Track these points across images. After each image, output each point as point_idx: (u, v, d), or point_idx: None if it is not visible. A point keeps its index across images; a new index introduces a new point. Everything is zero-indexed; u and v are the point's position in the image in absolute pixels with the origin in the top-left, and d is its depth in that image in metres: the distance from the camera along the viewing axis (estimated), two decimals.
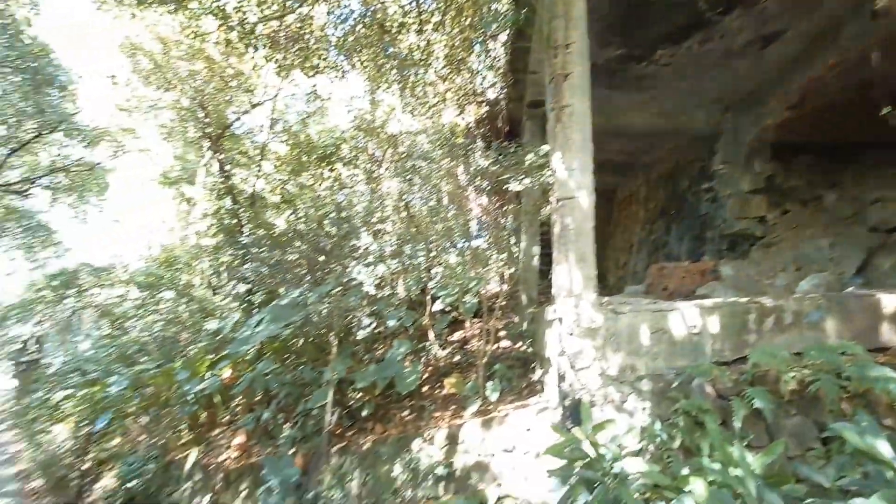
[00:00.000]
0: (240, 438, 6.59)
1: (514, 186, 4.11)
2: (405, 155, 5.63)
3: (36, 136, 9.39)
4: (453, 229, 5.11)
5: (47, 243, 13.44)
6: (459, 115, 7.07)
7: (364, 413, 5.35)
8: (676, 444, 3.15)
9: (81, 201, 12.86)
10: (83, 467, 7.85)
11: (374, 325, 6.18)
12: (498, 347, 5.77)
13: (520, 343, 5.46)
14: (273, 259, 5.10)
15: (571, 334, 3.57)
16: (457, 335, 6.49)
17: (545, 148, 3.93)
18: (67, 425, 9.53)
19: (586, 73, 3.86)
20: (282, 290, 6.88)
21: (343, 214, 4.91)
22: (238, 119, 9.11)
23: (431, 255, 5.83)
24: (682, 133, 7.09)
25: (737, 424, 3.08)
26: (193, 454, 7.18)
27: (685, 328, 3.69)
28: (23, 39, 8.94)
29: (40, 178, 10.76)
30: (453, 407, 4.93)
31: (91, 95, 13.57)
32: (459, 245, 5.50)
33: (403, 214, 6.56)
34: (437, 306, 5.29)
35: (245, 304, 7.79)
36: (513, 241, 5.90)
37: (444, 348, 6.23)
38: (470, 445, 4.20)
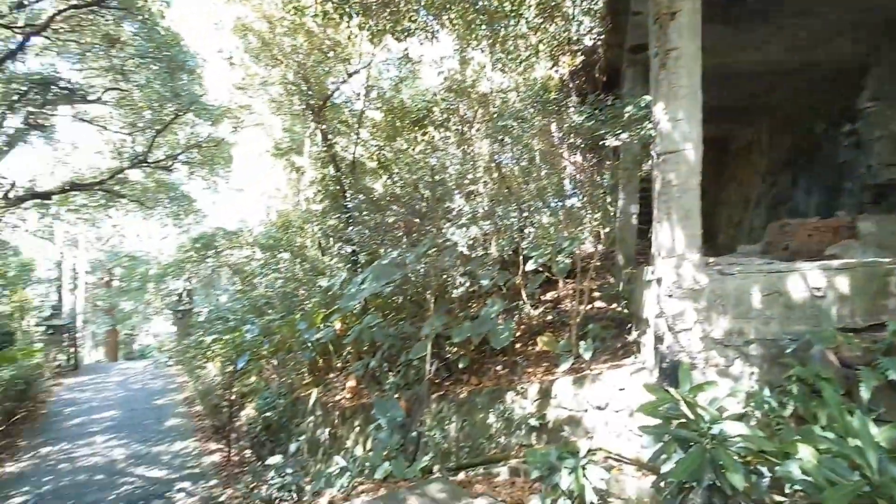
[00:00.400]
0: (351, 382, 7.40)
1: (612, 142, 3.93)
2: (496, 114, 5.59)
3: (174, 118, 10.83)
4: (546, 189, 5.05)
5: (189, 211, 15.64)
6: (552, 67, 6.76)
7: (460, 366, 5.71)
8: (788, 411, 2.97)
9: (212, 173, 14.68)
10: (230, 398, 9.38)
11: (468, 284, 6.43)
12: (592, 308, 5.71)
13: (615, 304, 5.35)
14: (373, 222, 5.48)
15: (671, 296, 3.44)
16: (549, 295, 6.51)
17: (647, 98, 3.68)
18: (216, 363, 11.37)
19: (696, 10, 3.48)
20: (382, 251, 7.40)
21: (436, 177, 5.09)
22: (337, 89, 9.63)
23: (524, 215, 5.84)
24: (817, 68, 6.08)
25: (864, 395, 2.81)
26: (314, 393, 8.22)
27: (806, 291, 3.36)
28: (158, 31, 10.19)
29: (179, 154, 12.46)
30: (545, 364, 5.06)
31: (212, 77, 15.16)
32: (553, 205, 5.43)
33: (495, 175, 6.59)
34: (530, 266, 5.32)
35: (350, 264, 8.50)
36: (609, 199, 5.67)
37: (536, 308, 6.31)
38: (562, 400, 4.32)
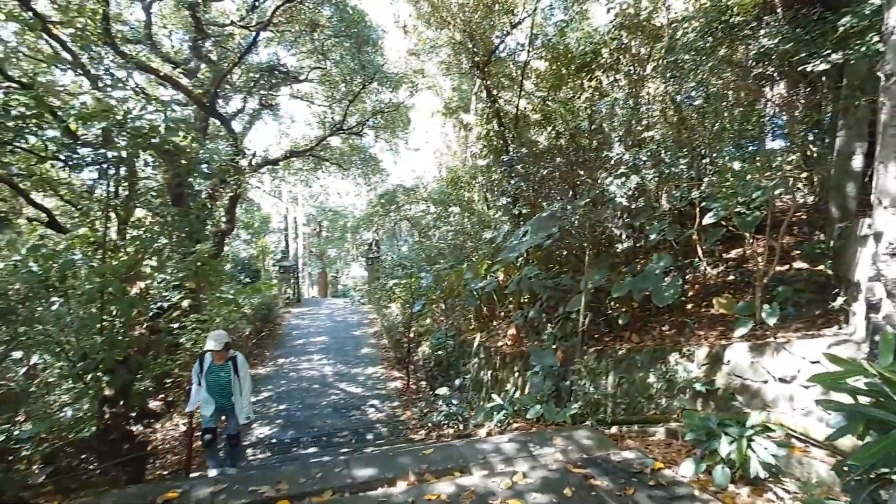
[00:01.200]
0: (512, 331, 7.79)
1: (819, 66, 3.16)
2: (673, 48, 4.90)
3: (361, 88, 12.26)
4: (732, 129, 4.35)
5: (376, 171, 17.78)
6: None
7: (620, 322, 5.51)
8: None
9: (393, 136, 16.28)
10: (409, 336, 10.78)
11: (633, 237, 6.04)
12: (789, 268, 4.85)
13: (821, 265, 4.45)
14: (532, 175, 5.49)
15: (893, 255, 2.75)
16: (734, 253, 5.72)
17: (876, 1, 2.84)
18: (398, 304, 13.09)
19: None
20: (544, 204, 7.38)
21: (594, 126, 4.80)
22: (501, 42, 9.58)
23: (704, 160, 5.15)
24: None
25: None
26: (478, 338, 8.91)
27: None
28: (348, 10, 11.49)
29: (367, 120, 14.12)
30: (720, 327, 4.56)
31: (390, 46, 16.51)
32: (741, 148, 4.66)
33: (671, 116, 5.88)
34: (709, 220, 4.73)
35: (513, 217, 8.70)
36: (817, 138, 4.57)
37: (715, 266, 5.62)
38: (736, 367, 3.90)
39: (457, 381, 8.69)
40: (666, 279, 4.98)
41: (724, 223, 4.89)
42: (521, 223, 7.76)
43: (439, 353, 10.44)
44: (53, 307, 5.66)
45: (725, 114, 4.34)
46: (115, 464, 5.44)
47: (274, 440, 7.13)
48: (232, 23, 10.15)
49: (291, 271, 20.74)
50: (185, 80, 9.73)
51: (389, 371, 11.17)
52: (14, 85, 6.84)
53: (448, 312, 11.36)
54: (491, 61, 9.44)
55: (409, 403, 8.87)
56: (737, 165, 4.63)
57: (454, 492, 2.86)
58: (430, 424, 7.19)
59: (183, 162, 7.25)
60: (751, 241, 5.24)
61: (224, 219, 10.97)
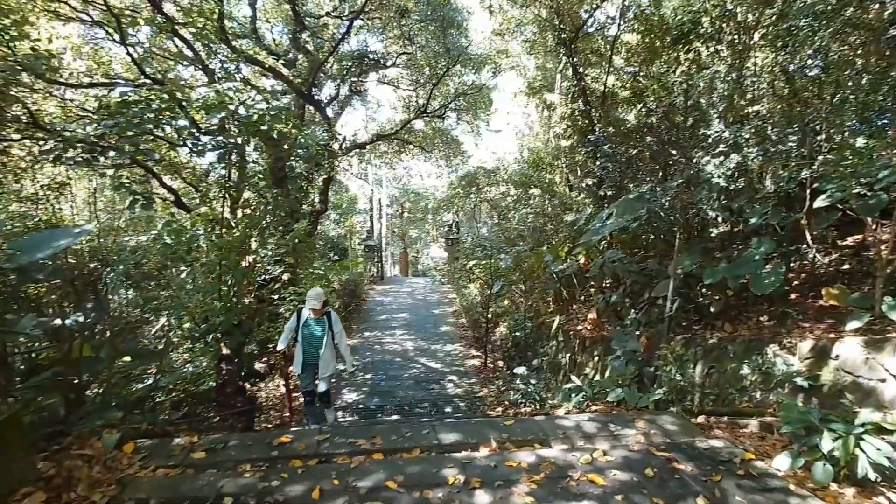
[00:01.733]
0: (592, 315, 7.66)
1: None
2: (786, 14, 4.39)
3: (445, 71, 12.40)
4: (855, 101, 3.88)
5: (457, 153, 17.95)
6: None
7: (712, 309, 5.23)
8: None
9: (475, 118, 16.31)
10: (488, 316, 10.98)
11: (730, 221, 5.63)
12: None
13: None
14: (620, 155, 5.30)
15: None
16: (850, 239, 5.14)
17: None
18: (476, 285, 13.32)
19: None
20: (631, 185, 7.08)
21: (690, 102, 4.50)
22: (590, 17, 9.19)
23: (818, 137, 4.65)
24: None
25: None
26: (557, 321, 8.86)
27: None
28: None
29: (450, 103, 14.28)
30: (829, 320, 4.18)
31: (475, 27, 16.43)
32: (866, 122, 4.14)
33: (781, 89, 5.34)
34: (821, 202, 4.29)
35: (597, 199, 8.45)
36: None
37: (827, 253, 5.10)
38: (846, 363, 3.58)
39: (534, 362, 8.76)
40: (767, 266, 4.62)
41: (839, 206, 4.41)
42: (606, 205, 7.52)
43: (517, 334, 10.53)
44: (182, 275, 6.58)
45: (849, 83, 3.86)
46: (231, 413, 6.26)
47: (360, 406, 7.71)
48: (327, 14, 10.74)
49: (375, 250, 21.82)
50: (284, 71, 10.52)
51: (467, 349, 11.49)
52: (148, 81, 7.90)
53: (527, 294, 11.37)
54: (578, 37, 9.10)
55: (486, 381, 9.10)
56: (860, 141, 4.13)
57: (534, 461, 3.00)
58: (506, 402, 7.36)
59: (285, 147, 7.94)
60: (873, 226, 4.68)
61: (318, 199, 11.81)
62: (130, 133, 4.93)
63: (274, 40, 12.55)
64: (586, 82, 9.18)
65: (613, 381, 4.84)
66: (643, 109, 7.64)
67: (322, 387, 5.47)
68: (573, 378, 5.83)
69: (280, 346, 5.70)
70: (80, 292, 4.40)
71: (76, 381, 3.56)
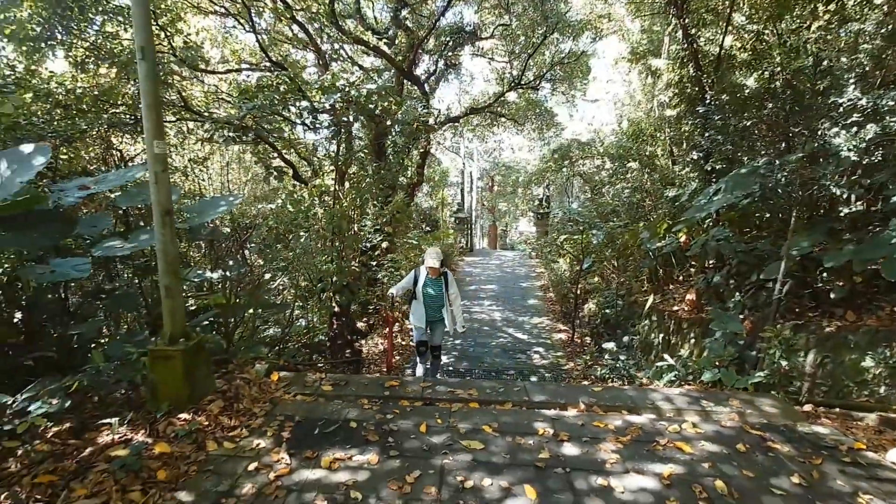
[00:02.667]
0: (691, 295, 7.34)
1: None
2: None
3: (542, 40, 12.09)
4: None
5: (550, 125, 17.51)
6: None
7: (832, 296, 4.84)
8: None
9: (571, 88, 15.74)
10: (576, 291, 10.91)
11: (865, 199, 5.05)
12: None
13: None
14: (732, 126, 4.94)
15: None
16: None
17: None
18: (566, 260, 13.21)
19: None
20: (745, 159, 6.55)
21: (822, 66, 4.05)
22: None
23: None
24: None
25: None
26: (650, 300, 8.60)
27: None
28: None
29: (545, 73, 13.92)
30: None
31: None
32: None
33: None
34: None
35: (703, 173, 7.92)
36: None
37: None
38: None
39: (624, 339, 8.65)
40: None
41: None
42: (714, 180, 7.04)
43: (606, 311, 10.38)
44: (301, 240, 7.45)
45: None
46: (342, 362, 7.11)
47: (451, 368, 8.24)
48: None
49: (465, 223, 22.29)
50: (386, 49, 11.02)
51: (554, 323, 11.56)
52: (273, 66, 8.82)
53: (619, 272, 11.07)
54: None
55: (573, 355, 9.17)
56: None
57: (621, 425, 3.16)
58: (593, 377, 7.41)
59: (388, 123, 8.47)
60: None
61: (415, 172, 12.38)
62: (265, 114, 5.66)
63: (375, 18, 13.11)
64: (698, 45, 8.45)
65: (710, 362, 4.73)
66: (766, 73, 6.92)
67: (437, 340, 5.62)
68: (666, 357, 5.75)
69: (391, 291, 5.65)
70: (229, 251, 5.28)
71: (230, 322, 4.36)
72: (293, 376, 3.83)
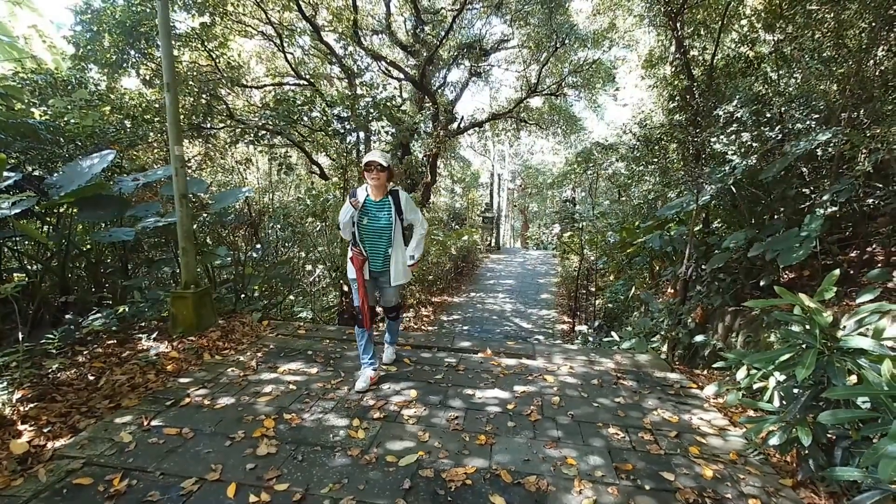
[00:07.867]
0: (670, 289, 7.91)
1: None
2: None
3: (553, 52, 12.83)
4: None
5: (575, 130, 18.06)
6: None
7: (762, 283, 5.38)
8: None
9: (593, 93, 16.25)
10: (578, 286, 11.54)
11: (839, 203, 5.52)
12: None
13: None
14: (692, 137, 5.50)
15: None
16: None
17: None
18: (574, 257, 13.76)
19: None
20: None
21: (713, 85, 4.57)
22: None
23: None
24: None
25: None
26: (632, 289, 9.17)
27: None
28: None
29: (563, 80, 14.59)
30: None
31: (579, 8, 16.14)
32: None
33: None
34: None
35: (693, 176, 8.41)
36: None
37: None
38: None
39: (596, 323, 9.33)
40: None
41: None
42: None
43: (610, 305, 10.96)
44: (317, 228, 8.69)
45: None
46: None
47: None
48: (443, 9, 12.02)
49: (493, 222, 23.12)
50: (411, 61, 12.21)
51: (560, 315, 12.24)
52: (303, 81, 10.22)
53: (625, 268, 11.57)
54: (684, 8, 8.85)
55: (568, 343, 9.89)
56: None
57: (512, 364, 4.06)
58: None
59: (406, 128, 9.57)
60: None
61: (426, 172, 13.49)
62: (282, 123, 6.95)
63: (407, 33, 14.36)
64: (690, 55, 8.94)
65: (632, 334, 5.43)
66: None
67: (389, 299, 3.67)
68: (613, 333, 6.44)
69: (345, 236, 3.59)
70: (251, 233, 6.59)
71: (242, 286, 5.63)
72: (280, 323, 5.01)
